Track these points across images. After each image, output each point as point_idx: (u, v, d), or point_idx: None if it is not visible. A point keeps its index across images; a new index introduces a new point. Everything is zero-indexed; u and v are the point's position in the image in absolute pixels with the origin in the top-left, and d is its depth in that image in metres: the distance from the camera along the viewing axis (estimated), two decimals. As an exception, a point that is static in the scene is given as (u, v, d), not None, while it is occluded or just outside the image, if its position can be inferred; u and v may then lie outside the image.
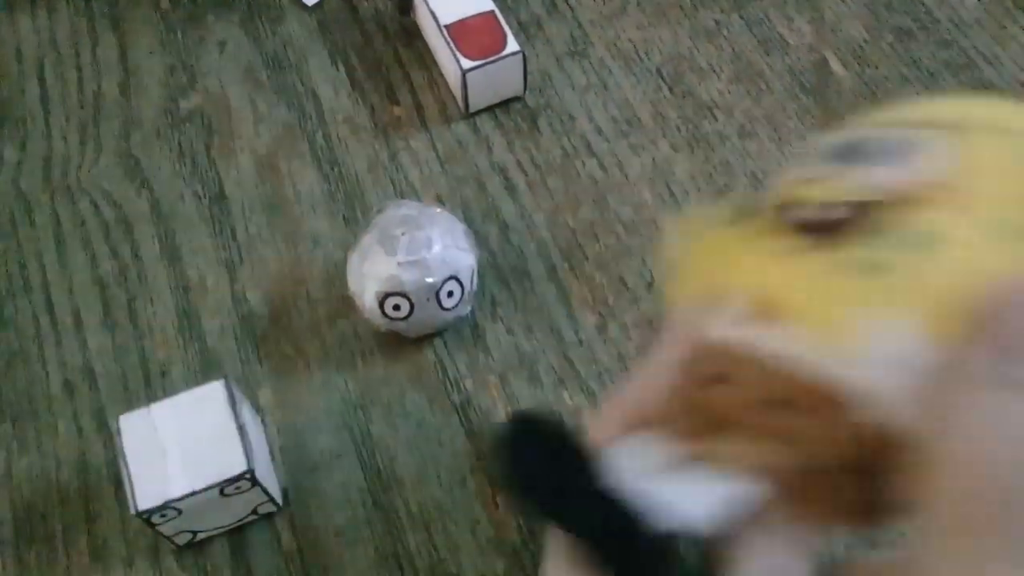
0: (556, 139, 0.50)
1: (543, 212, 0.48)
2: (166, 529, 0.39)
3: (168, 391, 0.44)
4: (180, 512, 0.38)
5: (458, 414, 0.43)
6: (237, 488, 0.38)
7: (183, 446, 0.38)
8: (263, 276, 0.47)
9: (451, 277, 0.42)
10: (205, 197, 0.50)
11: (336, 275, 0.47)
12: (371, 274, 0.42)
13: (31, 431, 0.44)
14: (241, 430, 0.38)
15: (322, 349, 0.45)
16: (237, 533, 0.41)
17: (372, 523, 0.41)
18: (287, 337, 0.46)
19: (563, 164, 0.49)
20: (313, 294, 0.47)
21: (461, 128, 0.51)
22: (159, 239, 0.49)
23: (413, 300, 0.41)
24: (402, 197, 0.49)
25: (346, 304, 0.46)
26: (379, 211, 0.43)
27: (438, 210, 0.43)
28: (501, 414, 0.43)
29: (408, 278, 0.41)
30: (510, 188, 0.49)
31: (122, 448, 0.38)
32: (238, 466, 0.38)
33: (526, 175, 0.49)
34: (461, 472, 0.42)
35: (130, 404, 0.43)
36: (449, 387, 0.44)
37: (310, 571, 0.40)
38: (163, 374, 0.45)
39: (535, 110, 0.51)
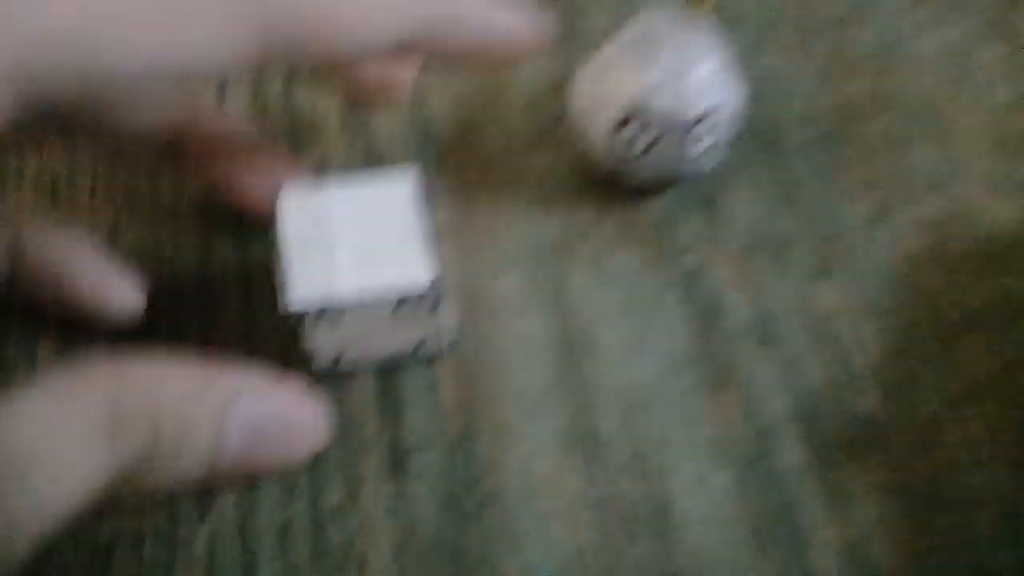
0: (825, -1, 0.41)
1: (809, 70, 0.39)
2: (311, 341, 0.30)
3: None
4: (337, 324, 0.29)
5: (679, 288, 0.34)
6: (414, 310, 0.30)
7: (356, 244, 0.29)
8: (452, 82, 0.39)
9: (711, 113, 0.33)
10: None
11: (540, 99, 0.38)
12: (611, 91, 0.33)
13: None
14: (429, 238, 0.30)
15: (516, 181, 0.36)
16: (387, 375, 0.32)
17: (557, 395, 0.32)
18: (474, 159, 0.37)
19: (837, 25, 0.40)
20: (511, 116, 0.38)
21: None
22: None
23: (658, 131, 0.32)
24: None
25: (548, 136, 0.37)
26: (628, 23, 0.34)
27: (705, 28, 0.34)
28: (736, 295, 0.34)
29: (660, 102, 0.32)
30: (738, 20, 0.40)
31: (281, 230, 0.30)
32: (422, 281, 0.29)
33: (792, 22, 0.40)
34: (675, 359, 0.33)
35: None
36: (670, 254, 0.35)
37: (474, 435, 0.31)
38: (317, 169, 0.37)
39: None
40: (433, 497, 0.30)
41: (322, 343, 0.30)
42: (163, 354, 0.25)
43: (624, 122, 0.33)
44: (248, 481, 0.27)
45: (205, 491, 0.30)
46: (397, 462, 0.31)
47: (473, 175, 0.37)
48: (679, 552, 0.29)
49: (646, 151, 0.33)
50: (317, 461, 0.30)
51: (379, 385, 0.32)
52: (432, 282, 0.29)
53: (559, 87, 0.38)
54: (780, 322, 0.33)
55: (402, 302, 0.29)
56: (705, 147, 0.33)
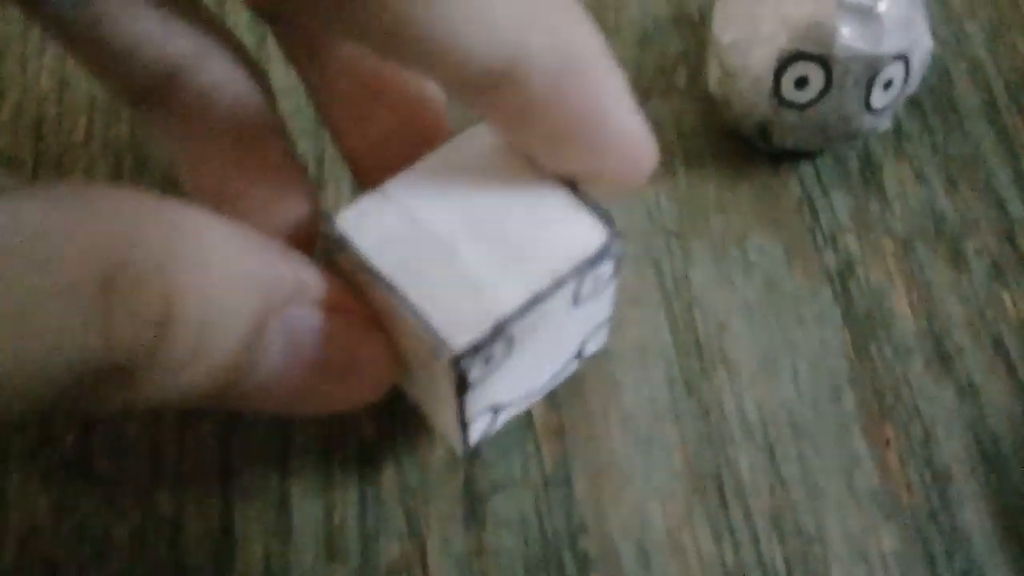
0: (1005, -77, 0.33)
1: (978, 22, 0.31)
2: (472, 391, 0.20)
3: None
4: (510, 345, 0.19)
5: (832, 284, 0.27)
6: (595, 280, 0.20)
7: (481, 233, 0.19)
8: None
9: (901, 56, 0.25)
10: None
11: (656, 34, 0.30)
12: (778, 15, 0.25)
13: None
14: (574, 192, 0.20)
15: (623, 136, 0.29)
16: (457, 382, 0.25)
17: (681, 417, 0.25)
18: (570, 106, 0.29)
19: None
20: (619, 53, 0.30)
21: None
22: None
23: (836, 74, 0.25)
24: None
25: (667, 78, 0.30)
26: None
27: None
28: (900, 299, 0.27)
29: (847, 35, 0.24)
30: (933, -26, 0.32)
31: (370, 265, 0.18)
32: (593, 237, 0.19)
33: (960, -36, 0.32)
34: (832, 375, 0.25)
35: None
36: (821, 240, 0.27)
37: (572, 472, 0.24)
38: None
39: None
40: (518, 554, 0.23)
41: (483, 388, 0.20)
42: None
43: (793, 57, 0.25)
44: (280, 409, 0.18)
45: (221, 412, 0.23)
46: (473, 507, 0.24)
47: (568, 127, 0.29)
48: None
49: (816, 99, 0.25)
50: (369, 501, 0.23)
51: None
52: (610, 232, 0.19)
53: (683, 16, 0.30)
54: (953, 336, 0.26)
55: (583, 271, 0.19)
56: (887, 100, 0.26)
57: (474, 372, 0.19)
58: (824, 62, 0.24)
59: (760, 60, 0.25)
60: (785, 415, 0.25)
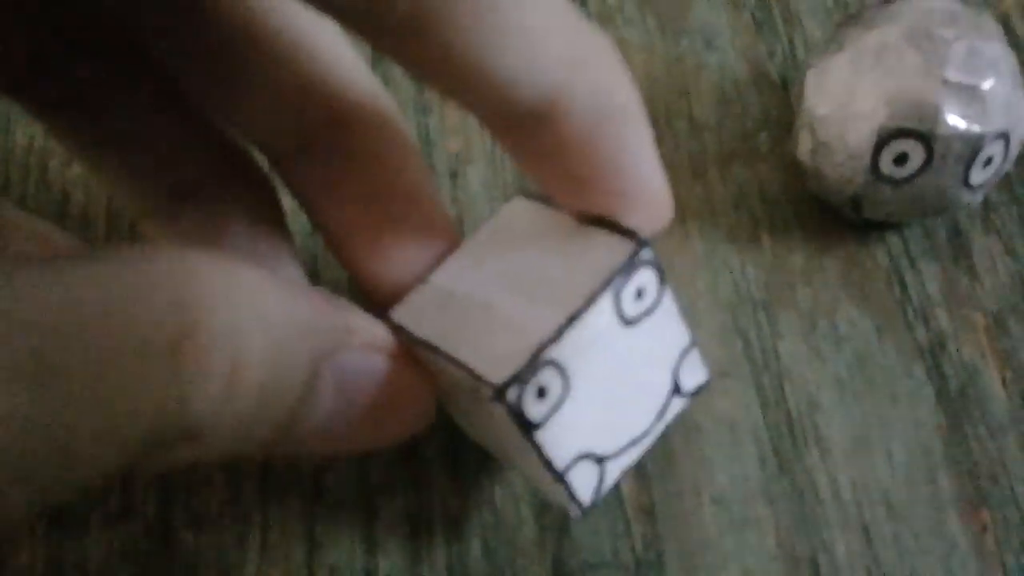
0: (1086, -11, 0.32)
1: (1064, 88, 0.31)
2: (557, 446, 0.19)
3: (461, 193, 0.28)
4: (563, 374, 0.19)
5: (924, 360, 0.26)
6: (638, 293, 0.19)
7: (514, 285, 0.20)
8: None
9: (1002, 135, 0.25)
10: (549, -63, 0.33)
11: (737, 97, 0.30)
12: (880, 90, 0.24)
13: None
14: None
15: (708, 204, 0.28)
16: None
17: (775, 497, 0.24)
18: (652, 170, 0.29)
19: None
20: (698, 115, 0.30)
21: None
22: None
23: (937, 152, 0.24)
24: (844, 8, 0.32)
25: (749, 143, 0.29)
26: (889, 1, 0.26)
27: (988, 17, 0.26)
28: (992, 377, 0.26)
29: (952, 112, 0.24)
30: (1012, 43, 0.31)
31: (415, 336, 0.19)
32: (622, 249, 0.19)
33: (1041, 28, 0.32)
34: (926, 455, 0.25)
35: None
36: (911, 313, 0.27)
37: (663, 554, 0.24)
38: (454, 175, 0.29)
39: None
40: (613, 639, 0.23)
41: (557, 428, 0.19)
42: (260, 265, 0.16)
43: (893, 135, 0.24)
44: (330, 450, 0.19)
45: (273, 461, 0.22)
46: (566, 588, 0.23)
47: (650, 191, 0.28)
48: None
49: (915, 175, 0.25)
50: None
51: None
52: (637, 240, 0.19)
53: (764, 78, 0.30)
54: (1050, 412, 0.25)
55: (620, 285, 0.19)
56: (986, 177, 0.25)
57: (530, 407, 0.18)
58: (926, 140, 0.24)
59: (858, 134, 0.25)
60: (880, 496, 0.24)
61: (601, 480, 0.20)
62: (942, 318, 0.27)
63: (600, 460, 0.20)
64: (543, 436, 0.19)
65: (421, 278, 0.21)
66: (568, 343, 0.18)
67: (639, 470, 0.24)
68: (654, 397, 0.21)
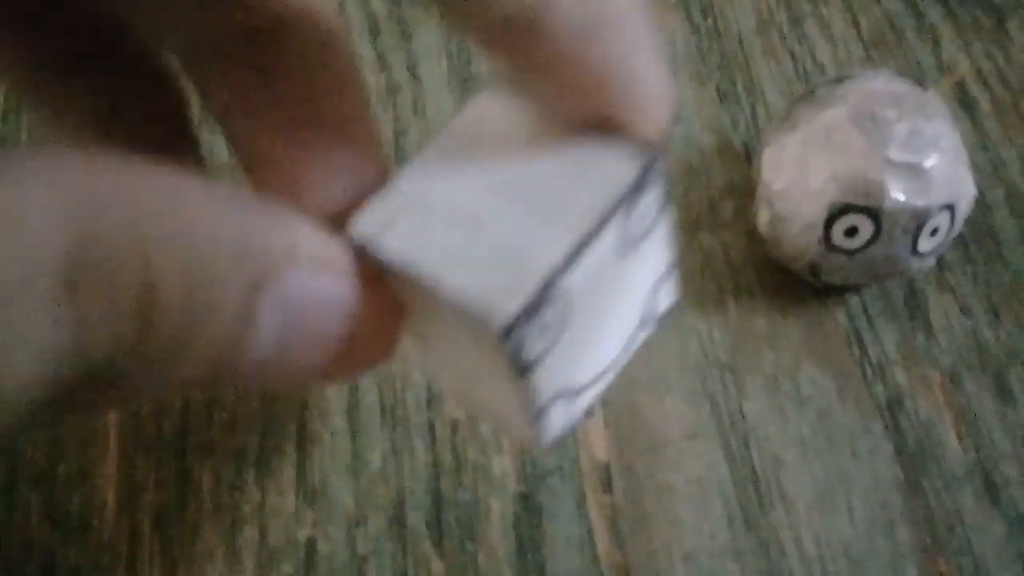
0: (1034, 51, 0.34)
1: (1015, 149, 0.32)
2: (544, 385, 0.17)
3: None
4: (565, 308, 0.16)
5: (883, 417, 0.28)
6: (644, 213, 0.17)
7: (501, 196, 0.17)
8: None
9: (947, 207, 0.26)
10: (522, 17, 0.35)
11: (702, 166, 0.32)
12: (829, 169, 0.26)
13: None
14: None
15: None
16: (528, 522, 0.26)
17: (742, 553, 0.26)
18: (622, 240, 0.31)
19: (1045, 89, 0.33)
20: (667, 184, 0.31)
21: (895, 3, 0.35)
22: (447, 57, 0.34)
23: (885, 225, 0.26)
24: (805, 80, 0.33)
25: (714, 211, 0.31)
26: (842, 78, 0.28)
27: (933, 96, 0.27)
28: (948, 431, 0.27)
29: (896, 188, 0.25)
30: (967, 105, 0.33)
31: (400, 263, 0.16)
32: (633, 163, 0.16)
33: (991, 92, 0.33)
34: (886, 508, 0.26)
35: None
36: (870, 372, 0.28)
37: (637, 609, 0.25)
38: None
39: (1003, 3, 0.35)
40: None
41: (549, 366, 0.17)
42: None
43: (843, 210, 0.26)
44: (283, 383, 0.16)
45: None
46: (545, 647, 0.25)
47: (621, 259, 0.30)
48: None
49: (865, 246, 0.26)
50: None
51: (516, 538, 0.26)
52: (650, 154, 0.17)
53: (728, 148, 0.32)
54: (1000, 468, 0.27)
55: (632, 202, 0.17)
56: (934, 245, 0.27)
57: (531, 346, 0.16)
58: (874, 214, 0.26)
59: (811, 209, 0.26)
60: (842, 549, 0.26)
61: (572, 415, 0.19)
62: (899, 376, 0.28)
63: (574, 394, 0.18)
64: (535, 376, 0.16)
65: (343, 218, 0.17)
66: (577, 272, 0.16)
67: (614, 532, 0.26)
68: (631, 322, 0.19)
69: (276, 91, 0.18)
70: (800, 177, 0.26)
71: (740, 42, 0.34)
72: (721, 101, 0.33)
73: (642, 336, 0.19)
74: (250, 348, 0.14)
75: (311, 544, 0.26)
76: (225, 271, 0.13)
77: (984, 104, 0.33)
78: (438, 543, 0.26)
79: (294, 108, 0.18)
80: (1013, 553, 0.26)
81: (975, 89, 0.33)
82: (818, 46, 0.34)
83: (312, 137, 0.18)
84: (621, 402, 0.28)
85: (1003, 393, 0.28)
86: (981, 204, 0.31)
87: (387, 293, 0.16)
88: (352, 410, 0.28)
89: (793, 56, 0.34)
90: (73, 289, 0.11)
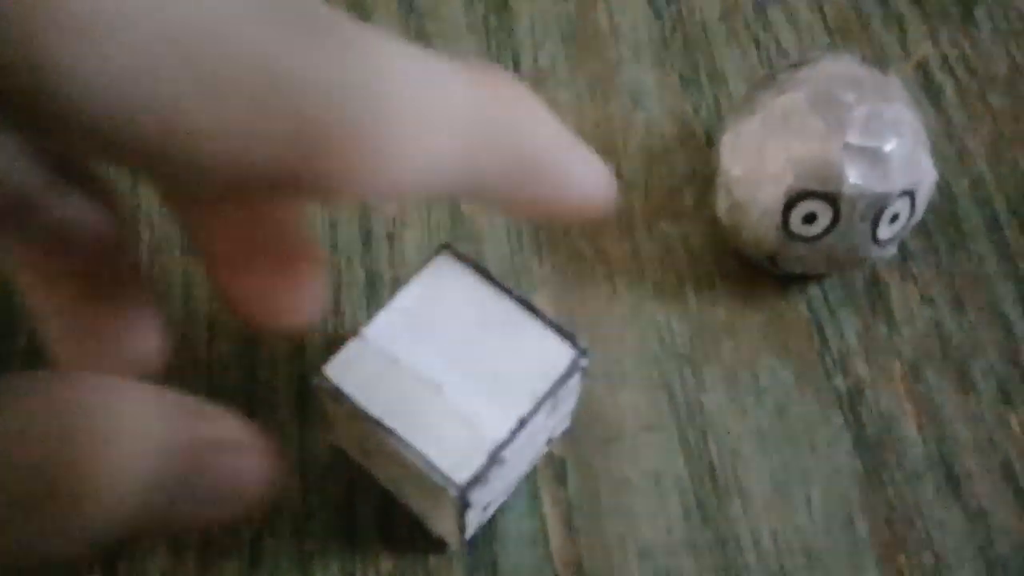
0: (1001, 40, 0.34)
1: (980, 138, 0.32)
2: (473, 513, 0.23)
3: (396, 264, 0.29)
4: (503, 464, 0.22)
5: (843, 408, 0.27)
6: (568, 390, 0.23)
7: (458, 366, 0.22)
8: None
9: (907, 192, 0.26)
10: (482, 1, 0.34)
11: (663, 154, 0.31)
12: (787, 154, 0.25)
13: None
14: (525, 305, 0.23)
15: (635, 260, 0.29)
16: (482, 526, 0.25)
17: (698, 547, 0.25)
18: (581, 234, 0.30)
19: (1011, 77, 0.33)
20: (627, 172, 0.31)
21: (861, -8, 0.35)
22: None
23: (843, 211, 0.25)
24: (769, 67, 0.33)
25: (676, 201, 0.30)
26: (802, 62, 0.27)
27: (894, 79, 0.27)
28: (909, 423, 0.27)
29: (854, 173, 0.25)
30: (933, 94, 0.32)
31: (365, 411, 0.21)
32: (562, 355, 0.22)
33: (956, 80, 0.33)
34: (845, 502, 0.26)
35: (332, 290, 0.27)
36: (831, 363, 0.28)
37: (590, 605, 0.24)
38: (391, 237, 0.29)
39: (970, -8, 0.35)
40: None
41: (479, 501, 0.22)
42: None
43: (801, 196, 0.25)
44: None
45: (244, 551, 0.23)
46: (495, 645, 0.24)
47: (586, 250, 0.29)
48: None
49: (823, 233, 0.26)
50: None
51: (471, 539, 0.25)
52: (577, 349, 0.22)
53: (689, 135, 0.31)
54: (962, 460, 0.26)
55: (559, 388, 0.22)
56: (893, 232, 0.26)
57: (474, 496, 0.21)
58: (832, 200, 0.25)
59: (769, 195, 0.26)
60: (800, 544, 0.25)
61: (482, 518, 0.24)
62: (860, 367, 0.28)
63: (486, 507, 0.23)
64: (470, 511, 0.22)
65: (288, 312, 0.21)
66: (517, 441, 0.21)
67: (568, 525, 0.25)
68: (537, 452, 0.25)
69: (253, 243, 0.21)
70: (758, 163, 0.26)
71: (704, 28, 0.33)
72: (684, 88, 0.32)
73: (542, 453, 0.25)
74: (171, 520, 0.16)
75: (255, 544, 0.25)
76: (165, 473, 0.15)
77: (949, 92, 0.32)
78: (387, 541, 0.25)
79: (240, 221, 0.20)
80: (972, 547, 0.25)
81: (940, 77, 0.33)
82: (783, 33, 0.33)
83: (256, 240, 0.21)
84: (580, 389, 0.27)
85: (965, 385, 0.28)
86: (945, 193, 0.31)
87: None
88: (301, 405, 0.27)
89: (757, 43, 0.33)
90: (57, 504, 0.14)
